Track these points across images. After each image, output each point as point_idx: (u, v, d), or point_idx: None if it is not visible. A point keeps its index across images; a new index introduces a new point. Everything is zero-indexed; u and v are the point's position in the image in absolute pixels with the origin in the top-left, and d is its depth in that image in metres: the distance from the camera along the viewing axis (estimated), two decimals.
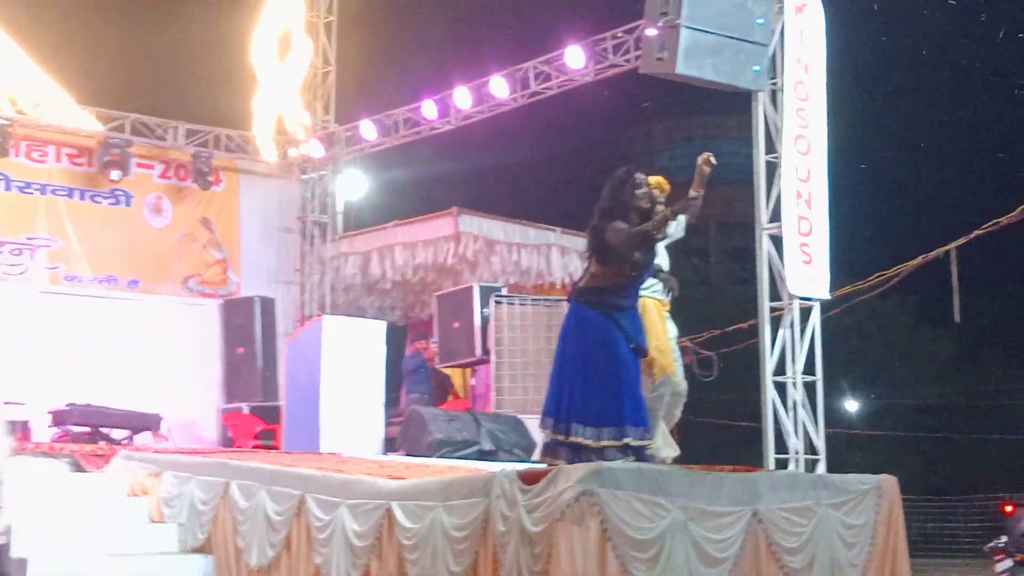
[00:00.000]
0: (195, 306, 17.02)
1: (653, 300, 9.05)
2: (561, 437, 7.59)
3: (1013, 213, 14.71)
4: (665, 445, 8.76)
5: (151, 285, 16.88)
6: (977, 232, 15.14)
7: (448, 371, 16.20)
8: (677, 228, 9.04)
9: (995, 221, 15.00)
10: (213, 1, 20.87)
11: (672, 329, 9.38)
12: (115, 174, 16.26)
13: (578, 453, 7.46)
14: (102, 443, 13.50)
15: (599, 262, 7.75)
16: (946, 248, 15.26)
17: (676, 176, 9.09)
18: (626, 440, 7.51)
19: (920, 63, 38.72)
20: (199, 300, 17.14)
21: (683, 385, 9.10)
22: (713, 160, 8.22)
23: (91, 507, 10.25)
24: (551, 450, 7.73)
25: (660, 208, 8.23)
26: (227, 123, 17.63)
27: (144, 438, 14.65)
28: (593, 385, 7.56)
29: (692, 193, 7.99)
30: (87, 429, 14.23)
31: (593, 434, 7.50)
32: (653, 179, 8.83)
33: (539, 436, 11.32)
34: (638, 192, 7.81)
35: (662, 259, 8.93)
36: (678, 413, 9.18)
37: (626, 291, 7.78)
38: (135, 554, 9.69)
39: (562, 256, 16.76)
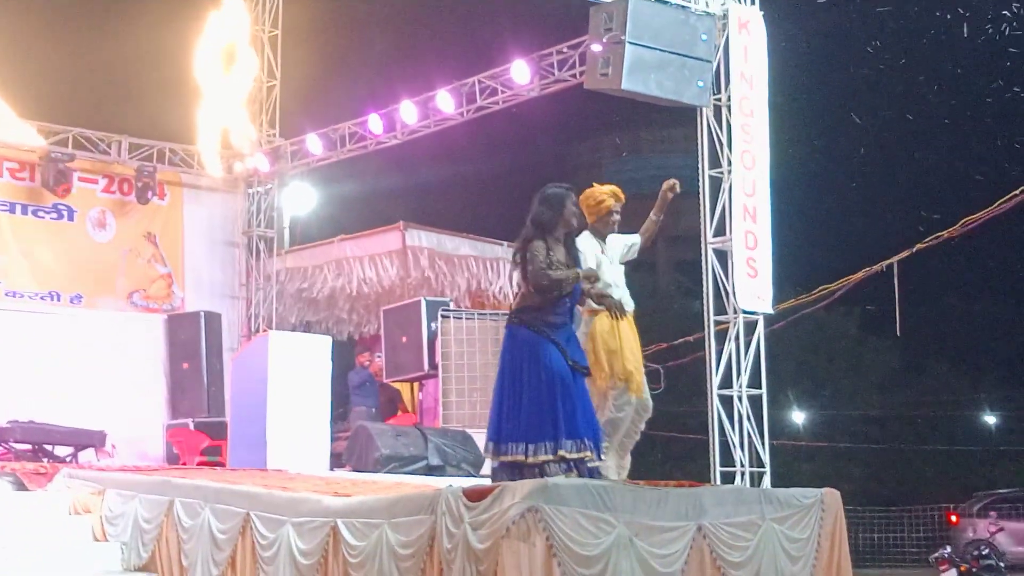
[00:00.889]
0: (139, 321, 16.88)
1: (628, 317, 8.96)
2: (501, 458, 7.59)
3: (953, 227, 14.92)
4: (617, 467, 8.70)
5: (95, 300, 16.73)
6: (919, 246, 15.34)
7: (397, 385, 16.16)
8: (631, 250, 9.05)
9: (937, 235, 15.20)
10: (157, 14, 20.75)
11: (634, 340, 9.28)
12: (58, 189, 16.10)
13: (519, 471, 7.44)
14: (45, 461, 13.34)
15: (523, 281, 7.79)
16: (888, 262, 15.43)
17: (625, 189, 9.11)
18: (561, 453, 7.47)
19: (861, 78, 39.09)
20: (143, 315, 17.00)
21: (649, 401, 9.02)
22: (678, 188, 8.46)
23: (33, 526, 10.13)
24: (496, 474, 7.73)
25: (616, 218, 8.45)
26: (171, 137, 17.51)
27: (88, 455, 14.50)
28: (526, 401, 7.54)
29: (652, 217, 8.44)
30: (30, 447, 14.07)
31: (526, 450, 7.48)
32: (608, 188, 8.87)
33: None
34: (571, 211, 7.85)
35: (617, 276, 8.89)
36: (642, 427, 9.13)
37: (556, 309, 7.76)
38: (78, 574, 9.59)
39: (509, 270, 16.77)
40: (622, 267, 8.97)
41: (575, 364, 7.73)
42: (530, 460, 7.45)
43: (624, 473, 8.70)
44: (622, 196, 8.88)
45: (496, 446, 7.63)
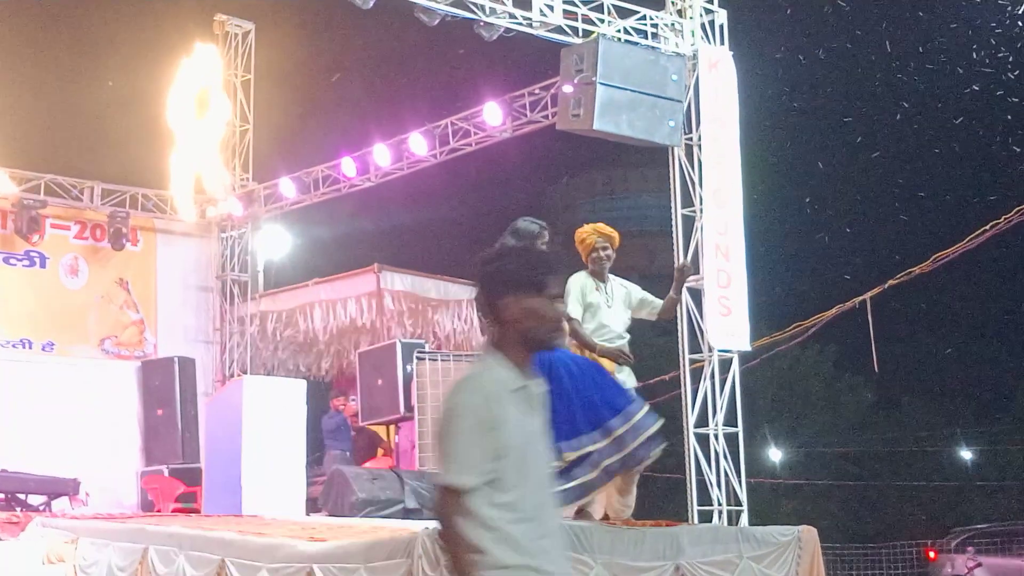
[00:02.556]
0: (112, 368, 16.79)
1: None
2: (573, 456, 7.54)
3: (924, 263, 15.00)
4: (622, 505, 8.62)
5: (67, 347, 16.65)
6: (891, 282, 15.42)
7: (374, 428, 16.10)
8: (643, 307, 9.05)
9: (908, 271, 15.29)
10: (129, 60, 20.77)
11: (631, 379, 9.21)
12: (31, 236, 16.05)
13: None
14: (18, 510, 13.22)
15: None
16: (861, 298, 15.51)
17: None
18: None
19: (833, 117, 39.45)
20: (116, 362, 16.91)
21: None
22: (690, 268, 9.22)
23: None
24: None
25: (604, 254, 8.69)
26: (144, 183, 17.48)
27: (62, 503, 14.37)
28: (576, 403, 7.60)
29: (672, 295, 8.83)
30: (2, 496, 13.94)
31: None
32: (591, 226, 8.90)
33: None
34: (545, 247, 7.90)
35: (615, 320, 8.88)
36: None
37: None
38: None
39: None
40: (627, 312, 8.94)
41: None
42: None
43: (627, 512, 8.59)
44: (606, 231, 8.88)
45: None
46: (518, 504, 3.71)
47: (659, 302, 9.02)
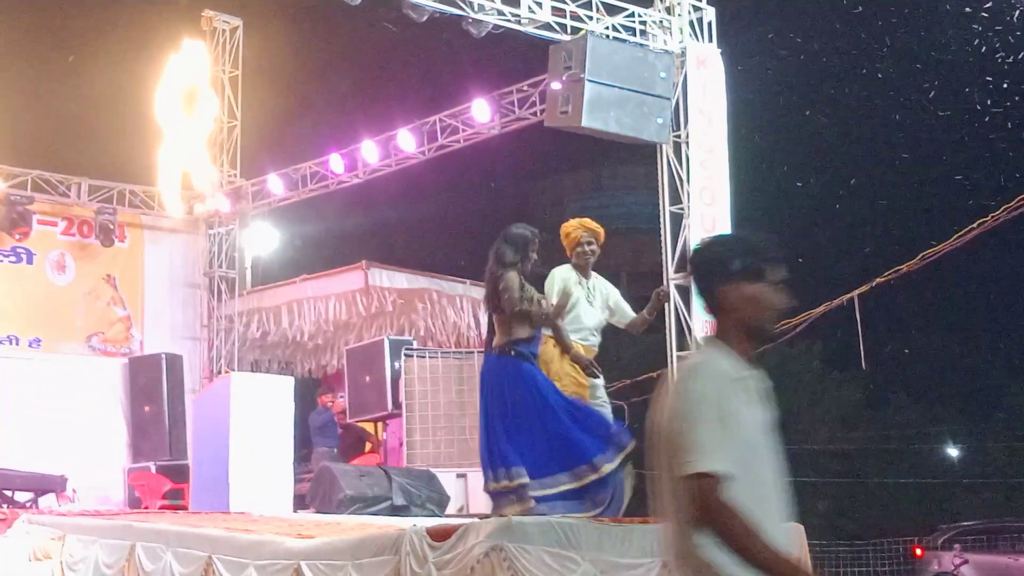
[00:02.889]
0: (99, 364, 16.75)
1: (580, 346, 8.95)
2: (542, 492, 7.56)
3: (913, 261, 15.03)
4: None
5: (54, 344, 16.62)
6: (878, 280, 15.44)
7: (362, 425, 16.08)
8: (616, 312, 9.07)
9: (896, 269, 15.31)
10: (116, 56, 20.72)
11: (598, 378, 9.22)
12: (17, 232, 16.01)
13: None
14: (4, 507, 13.17)
15: (503, 312, 7.76)
16: (849, 296, 15.52)
17: None
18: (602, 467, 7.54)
19: (818, 113, 39.49)
20: (102, 359, 16.87)
21: None
22: (667, 294, 9.68)
23: None
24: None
25: (589, 248, 8.68)
26: (131, 179, 17.46)
27: (49, 500, 14.34)
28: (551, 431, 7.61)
29: (645, 315, 8.95)
30: None
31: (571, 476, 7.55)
32: (577, 220, 8.92)
33: (454, 490, 11.31)
34: (531, 256, 7.90)
35: (593, 320, 8.89)
36: None
37: (536, 340, 7.84)
38: None
39: (472, 308, 16.76)
40: (604, 313, 8.96)
41: None
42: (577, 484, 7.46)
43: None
44: (592, 226, 8.90)
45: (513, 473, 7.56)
46: (751, 503, 3.49)
47: (632, 314, 9.05)
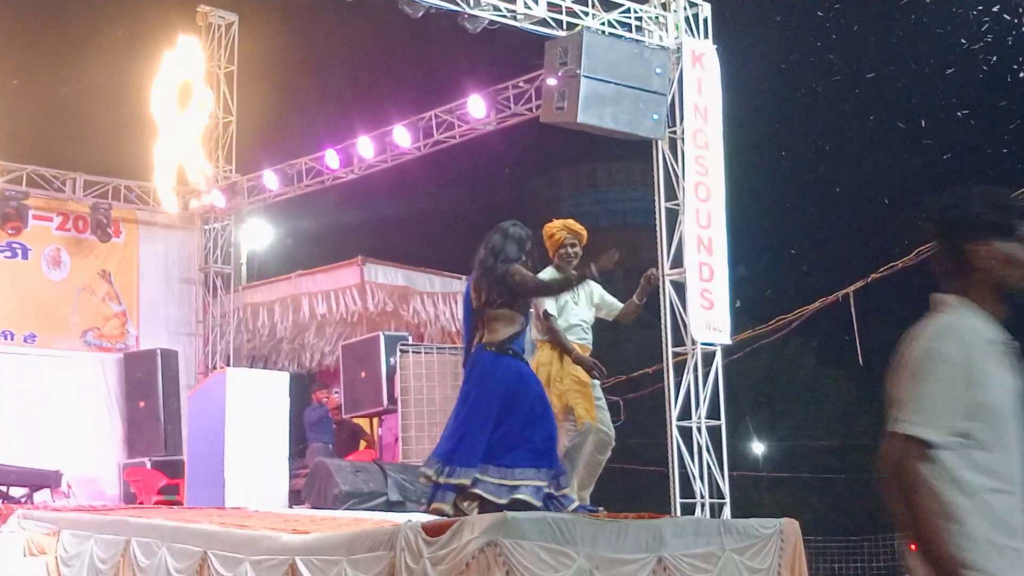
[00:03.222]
0: (94, 360, 16.77)
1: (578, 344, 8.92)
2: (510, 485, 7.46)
3: (908, 256, 15.03)
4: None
5: (49, 339, 16.60)
6: (873, 276, 15.44)
7: (358, 421, 16.09)
8: (605, 307, 9.04)
9: (891, 264, 15.32)
10: (112, 51, 20.70)
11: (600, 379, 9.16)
12: (12, 227, 16.00)
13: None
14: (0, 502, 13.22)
15: (500, 307, 7.62)
16: (844, 291, 15.53)
17: (583, 222, 9.15)
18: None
19: (816, 107, 39.53)
20: (97, 354, 16.87)
21: (607, 436, 8.88)
22: (656, 278, 9.17)
23: None
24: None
25: (572, 251, 8.67)
26: (127, 174, 17.43)
27: (44, 495, 14.36)
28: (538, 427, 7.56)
29: (635, 301, 8.86)
30: None
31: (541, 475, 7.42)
32: (560, 221, 8.89)
33: None
34: (529, 250, 7.87)
35: (581, 318, 8.88)
36: (603, 459, 9.03)
37: (522, 337, 7.78)
38: None
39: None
40: (591, 311, 8.95)
41: None
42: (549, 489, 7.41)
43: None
44: (576, 228, 8.86)
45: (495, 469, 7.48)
46: (999, 471, 3.32)
47: (619, 305, 9.02)
